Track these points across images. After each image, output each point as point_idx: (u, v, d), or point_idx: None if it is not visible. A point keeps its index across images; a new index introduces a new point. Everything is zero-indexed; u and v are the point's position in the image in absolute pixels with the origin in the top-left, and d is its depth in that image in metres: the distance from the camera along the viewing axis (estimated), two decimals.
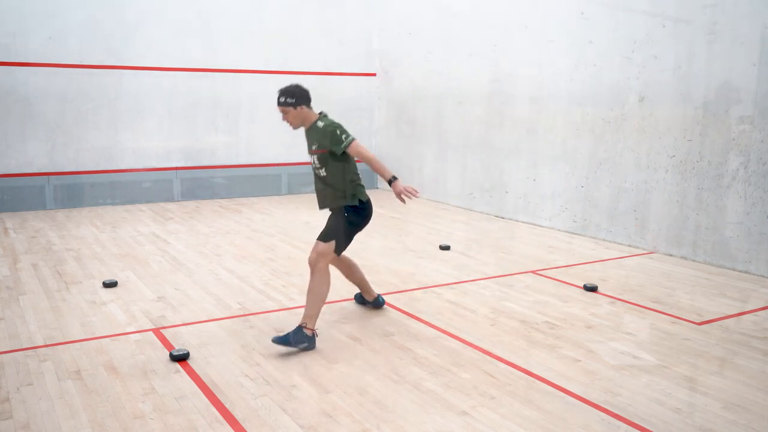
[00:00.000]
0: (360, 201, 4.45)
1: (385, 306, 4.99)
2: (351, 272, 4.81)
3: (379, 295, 5.00)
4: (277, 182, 10.87)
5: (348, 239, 4.49)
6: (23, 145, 8.92)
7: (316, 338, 4.22)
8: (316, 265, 4.28)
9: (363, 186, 4.51)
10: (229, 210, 9.31)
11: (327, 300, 4.55)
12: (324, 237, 4.37)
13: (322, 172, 4.44)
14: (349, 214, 4.45)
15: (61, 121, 9.13)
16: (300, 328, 4.13)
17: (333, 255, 4.40)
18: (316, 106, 4.45)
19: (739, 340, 4.42)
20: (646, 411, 3.37)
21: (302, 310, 4.78)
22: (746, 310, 5.08)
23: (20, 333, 4.36)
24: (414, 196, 4.24)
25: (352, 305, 5.03)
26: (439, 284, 5.67)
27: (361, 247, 7.04)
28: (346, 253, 4.67)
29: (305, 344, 4.12)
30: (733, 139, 6.20)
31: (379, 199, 10.55)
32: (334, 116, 4.62)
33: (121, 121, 9.54)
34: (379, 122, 11.64)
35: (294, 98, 4.30)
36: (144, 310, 4.88)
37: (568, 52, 7.84)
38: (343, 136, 4.29)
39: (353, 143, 4.29)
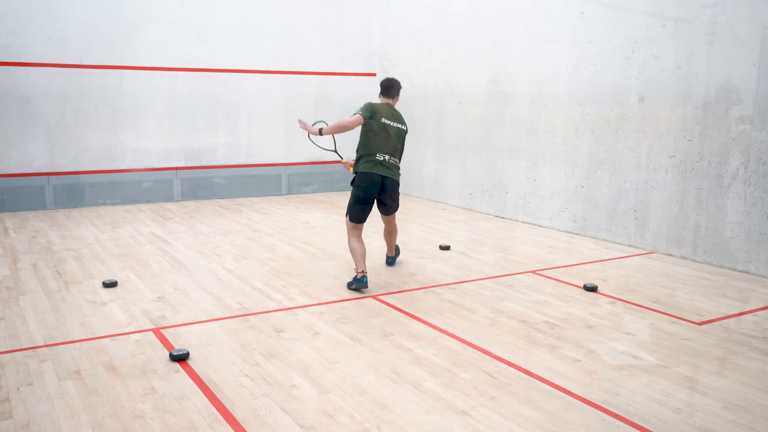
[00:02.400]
0: (356, 172, 5.49)
1: (384, 305, 5.00)
2: (386, 233, 6.05)
3: (388, 256, 6.18)
4: (277, 182, 10.87)
5: (353, 207, 5.48)
6: (23, 145, 8.92)
7: (365, 280, 5.25)
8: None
9: (367, 160, 5.42)
10: (229, 210, 9.31)
11: (327, 300, 5.13)
12: None
13: None
14: (354, 184, 5.53)
15: (61, 121, 9.13)
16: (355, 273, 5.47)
17: (351, 223, 5.48)
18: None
19: (739, 340, 4.42)
20: (646, 411, 3.37)
21: (302, 310, 4.90)
22: (746, 310, 5.08)
23: (20, 333, 4.36)
24: (301, 127, 5.69)
25: (352, 305, 5.03)
26: (439, 284, 5.67)
27: None
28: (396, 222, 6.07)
29: (352, 283, 5.31)
30: (733, 139, 6.20)
31: None
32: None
33: (121, 121, 9.54)
34: None
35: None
36: (144, 310, 4.88)
37: (568, 52, 7.84)
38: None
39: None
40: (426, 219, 8.77)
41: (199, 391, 3.53)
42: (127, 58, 9.45)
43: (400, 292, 5.37)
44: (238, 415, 3.26)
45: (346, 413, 3.30)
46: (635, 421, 3.25)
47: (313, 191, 11.16)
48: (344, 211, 9.25)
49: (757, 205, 6.06)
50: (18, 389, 3.52)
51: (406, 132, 5.68)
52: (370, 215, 5.66)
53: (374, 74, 11.51)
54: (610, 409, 3.38)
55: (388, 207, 5.72)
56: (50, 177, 9.10)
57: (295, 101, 10.79)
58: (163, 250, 6.78)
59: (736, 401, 3.50)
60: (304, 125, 5.67)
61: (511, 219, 8.81)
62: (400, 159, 5.62)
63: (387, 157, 5.47)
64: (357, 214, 5.50)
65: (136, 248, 6.84)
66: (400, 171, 5.70)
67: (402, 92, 5.45)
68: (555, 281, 5.80)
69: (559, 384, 3.67)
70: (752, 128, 6.05)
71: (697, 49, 6.45)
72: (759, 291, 5.60)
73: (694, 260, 6.59)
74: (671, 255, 6.79)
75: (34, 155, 9.00)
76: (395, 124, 5.55)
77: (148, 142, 9.76)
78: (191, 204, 9.77)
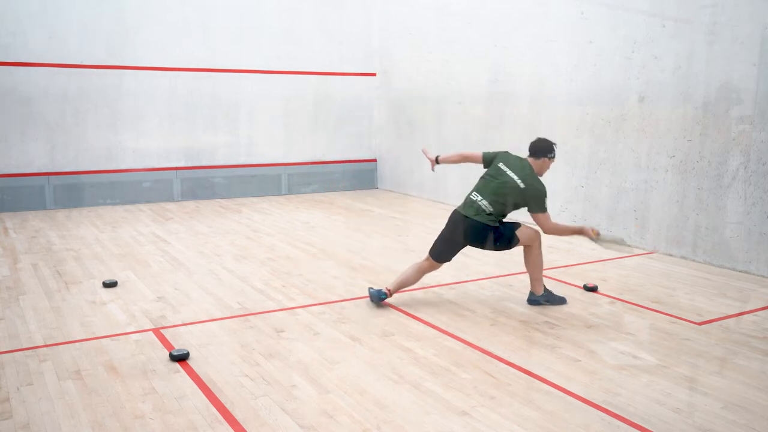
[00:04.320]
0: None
1: (384, 305, 4.99)
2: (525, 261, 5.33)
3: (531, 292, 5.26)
4: (277, 182, 10.87)
5: (435, 241, 5.08)
6: (23, 145, 8.92)
7: (384, 297, 4.96)
8: None
9: (465, 199, 5.12)
10: (229, 210, 9.31)
11: (327, 300, 5.10)
12: None
13: None
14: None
15: (61, 121, 9.13)
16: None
17: (428, 256, 5.05)
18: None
19: (739, 340, 4.42)
20: (646, 411, 3.37)
21: (302, 310, 4.89)
22: (746, 310, 5.08)
23: (20, 333, 4.36)
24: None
25: (352, 305, 5.03)
26: (439, 284, 5.67)
27: (361, 247, 7.05)
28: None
29: (374, 294, 4.98)
30: (733, 139, 6.20)
31: (380, 198, 10.55)
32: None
33: (121, 121, 9.54)
34: (378, 122, 11.63)
35: None
36: (144, 310, 4.88)
37: (568, 52, 7.84)
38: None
39: None
40: (426, 219, 8.77)
41: (199, 391, 3.53)
42: (127, 58, 9.45)
43: (400, 292, 5.36)
44: (238, 415, 3.26)
45: (346, 413, 3.30)
46: (635, 421, 3.25)
47: (313, 191, 11.16)
48: (345, 211, 9.29)
49: (757, 205, 6.06)
50: (18, 389, 3.52)
51: (517, 188, 4.95)
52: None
53: (374, 74, 11.51)
54: (610, 409, 3.38)
55: (483, 248, 5.17)
56: (50, 177, 9.10)
57: (295, 101, 10.80)
58: (163, 250, 6.78)
59: (736, 401, 3.50)
60: (426, 153, 5.55)
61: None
62: (495, 210, 4.99)
63: (479, 198, 4.99)
64: (436, 249, 5.03)
65: (136, 248, 6.84)
66: (492, 219, 5.04)
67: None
68: (555, 281, 5.80)
69: (559, 384, 3.67)
70: (752, 128, 6.05)
71: (697, 49, 6.45)
72: (759, 291, 5.59)
73: (694, 260, 6.59)
74: (671, 255, 6.79)
75: (34, 155, 9.00)
76: (509, 173, 5.01)
77: (148, 142, 9.77)
78: (191, 204, 9.77)
